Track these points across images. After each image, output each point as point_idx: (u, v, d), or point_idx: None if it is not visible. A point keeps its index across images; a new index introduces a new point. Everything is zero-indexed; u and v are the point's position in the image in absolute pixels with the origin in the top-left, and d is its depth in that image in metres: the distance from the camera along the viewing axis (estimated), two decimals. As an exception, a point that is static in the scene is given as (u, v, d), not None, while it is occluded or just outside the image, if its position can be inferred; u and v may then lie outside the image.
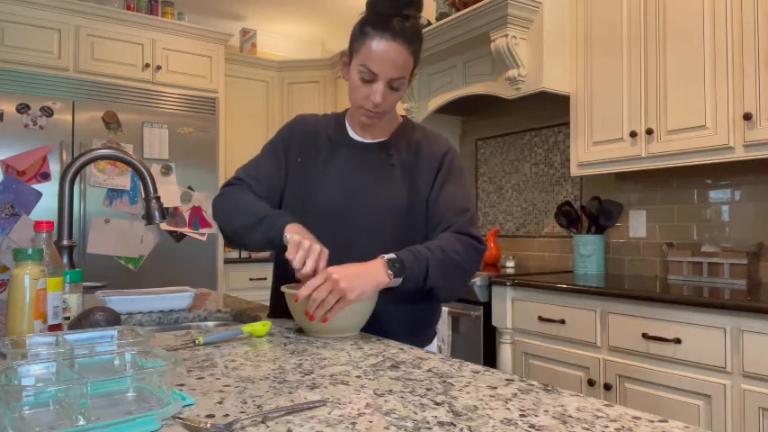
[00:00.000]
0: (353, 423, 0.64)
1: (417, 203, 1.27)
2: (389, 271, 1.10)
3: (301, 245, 1.10)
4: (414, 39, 1.18)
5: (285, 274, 1.26)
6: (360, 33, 1.19)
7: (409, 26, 1.17)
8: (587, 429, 0.62)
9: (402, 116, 1.38)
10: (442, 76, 3.06)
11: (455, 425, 0.63)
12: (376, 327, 1.21)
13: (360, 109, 1.22)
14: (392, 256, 1.13)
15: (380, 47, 1.15)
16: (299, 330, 1.19)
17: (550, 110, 3.02)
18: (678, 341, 1.83)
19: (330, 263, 1.16)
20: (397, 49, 1.16)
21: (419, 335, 1.30)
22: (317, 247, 1.11)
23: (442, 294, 1.21)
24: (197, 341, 1.03)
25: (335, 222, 1.25)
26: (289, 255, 1.10)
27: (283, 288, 1.17)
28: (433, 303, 1.33)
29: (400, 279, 1.12)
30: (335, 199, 1.26)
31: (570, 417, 0.66)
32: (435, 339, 1.38)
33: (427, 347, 1.33)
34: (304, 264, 1.09)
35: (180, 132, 3.60)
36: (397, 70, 1.17)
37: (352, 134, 1.33)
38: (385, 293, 1.16)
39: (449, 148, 1.32)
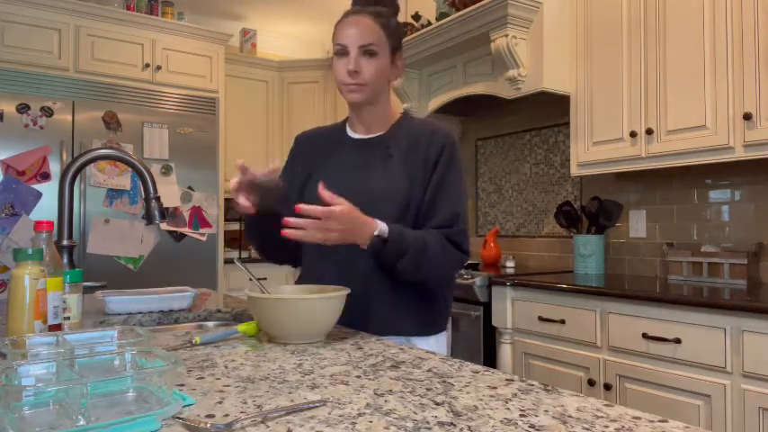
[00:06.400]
0: (353, 423, 0.64)
1: (415, 190, 1.27)
2: (369, 242, 1.15)
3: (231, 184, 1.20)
4: (380, 14, 1.27)
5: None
6: (335, 27, 1.31)
7: (373, 7, 1.28)
8: (587, 429, 0.62)
9: (402, 111, 1.40)
10: (442, 76, 3.06)
11: (455, 425, 0.63)
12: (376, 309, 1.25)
13: (343, 87, 1.28)
14: (384, 234, 1.16)
15: (345, 22, 1.27)
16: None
17: (550, 110, 3.01)
18: (678, 341, 1.83)
19: (329, 255, 1.24)
20: (359, 20, 1.26)
21: (425, 323, 1.30)
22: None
23: (407, 279, 1.24)
24: (194, 341, 1.04)
25: None
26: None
27: (251, 293, 1.07)
28: (444, 292, 1.34)
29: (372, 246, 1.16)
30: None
31: (570, 417, 0.66)
32: (444, 334, 1.36)
33: (435, 337, 1.32)
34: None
35: (180, 132, 3.59)
36: (364, 37, 1.24)
37: (350, 133, 1.36)
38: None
39: (448, 138, 1.31)
